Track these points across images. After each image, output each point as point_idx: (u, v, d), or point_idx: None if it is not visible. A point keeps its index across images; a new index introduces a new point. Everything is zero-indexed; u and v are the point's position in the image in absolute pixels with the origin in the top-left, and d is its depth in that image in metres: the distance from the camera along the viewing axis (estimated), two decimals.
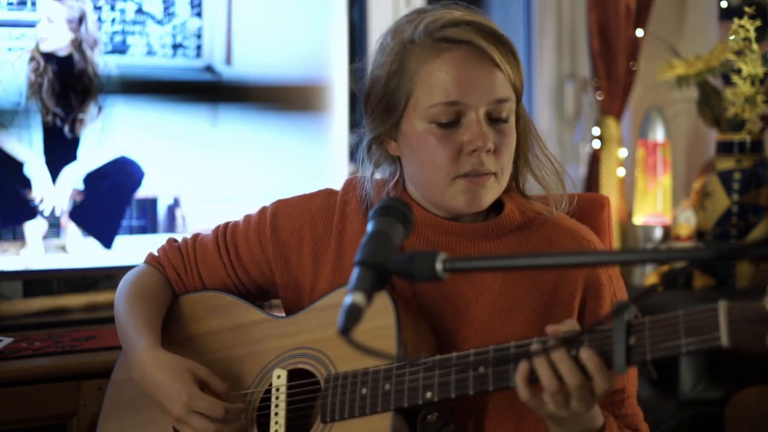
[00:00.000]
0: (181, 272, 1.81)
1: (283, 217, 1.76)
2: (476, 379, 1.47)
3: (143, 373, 1.65)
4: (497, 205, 1.69)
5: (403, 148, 1.65)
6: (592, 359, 1.37)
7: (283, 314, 1.75)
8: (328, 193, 1.78)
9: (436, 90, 1.58)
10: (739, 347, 1.25)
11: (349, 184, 1.76)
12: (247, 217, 1.81)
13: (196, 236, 1.84)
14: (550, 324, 1.43)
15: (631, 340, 1.34)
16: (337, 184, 1.82)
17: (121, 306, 1.77)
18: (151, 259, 1.84)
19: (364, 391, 1.56)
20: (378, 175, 1.73)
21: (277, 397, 1.65)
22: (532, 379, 1.41)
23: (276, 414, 1.64)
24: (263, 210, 1.80)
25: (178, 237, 1.87)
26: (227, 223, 1.82)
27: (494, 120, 1.60)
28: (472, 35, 1.58)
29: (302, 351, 1.66)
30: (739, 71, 2.88)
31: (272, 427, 1.64)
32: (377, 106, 1.65)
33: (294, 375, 1.66)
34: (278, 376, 1.66)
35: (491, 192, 1.62)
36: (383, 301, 1.57)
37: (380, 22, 3.48)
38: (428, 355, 1.57)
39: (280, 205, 1.79)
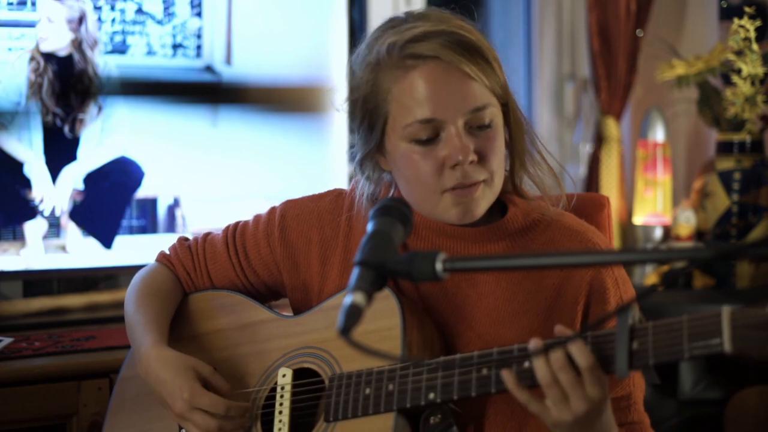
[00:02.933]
0: (190, 271, 1.82)
1: (292, 218, 1.76)
2: (479, 381, 1.47)
3: (147, 370, 1.65)
4: (500, 208, 1.68)
5: (391, 164, 1.64)
6: (584, 355, 1.36)
7: (291, 314, 1.75)
8: (337, 194, 1.77)
9: (409, 109, 1.56)
10: (741, 353, 1.25)
11: (358, 185, 1.74)
12: (257, 218, 1.81)
13: (206, 235, 1.85)
14: (553, 330, 1.43)
15: (633, 345, 1.34)
16: (339, 185, 1.82)
17: (130, 303, 1.78)
18: (161, 258, 1.85)
19: (367, 391, 1.56)
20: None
21: (281, 396, 1.65)
22: (527, 382, 1.41)
23: (280, 412, 1.65)
24: (272, 210, 1.79)
25: (189, 236, 1.88)
26: (237, 223, 1.83)
27: (476, 128, 1.57)
28: (439, 50, 1.54)
29: (308, 350, 1.66)
30: (739, 71, 2.88)
31: (276, 426, 1.64)
32: (361, 125, 1.63)
33: (299, 374, 1.66)
34: (283, 375, 1.66)
35: (483, 201, 1.60)
36: (389, 302, 1.57)
37: (380, 23, 3.47)
38: (433, 356, 1.57)
39: (288, 205, 1.79)
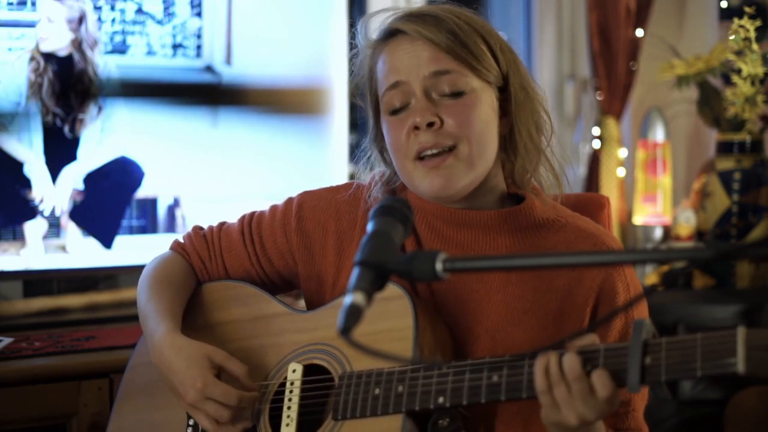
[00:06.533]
0: (205, 260, 1.82)
1: (309, 209, 1.77)
2: (489, 388, 1.46)
3: (161, 357, 1.65)
4: (516, 201, 1.69)
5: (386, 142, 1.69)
6: (605, 384, 1.35)
7: (304, 308, 1.75)
8: (355, 187, 1.78)
9: (383, 80, 1.64)
10: (755, 375, 1.25)
11: (375, 179, 1.77)
12: (273, 208, 1.81)
13: (222, 224, 1.85)
14: (562, 330, 1.42)
15: (646, 360, 1.33)
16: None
17: (143, 291, 1.77)
18: (176, 246, 1.85)
19: (376, 391, 1.55)
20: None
21: (291, 391, 1.65)
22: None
23: (288, 408, 1.64)
24: (289, 201, 1.80)
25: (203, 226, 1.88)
26: (253, 213, 1.83)
27: (447, 95, 1.61)
28: (402, 24, 1.62)
29: (319, 347, 1.66)
30: (739, 71, 2.88)
31: (284, 421, 1.64)
32: (366, 107, 1.71)
33: (309, 370, 1.66)
34: (293, 370, 1.66)
35: (457, 173, 1.60)
36: (403, 303, 1.57)
37: None
38: (444, 358, 1.57)
39: (306, 196, 1.80)
